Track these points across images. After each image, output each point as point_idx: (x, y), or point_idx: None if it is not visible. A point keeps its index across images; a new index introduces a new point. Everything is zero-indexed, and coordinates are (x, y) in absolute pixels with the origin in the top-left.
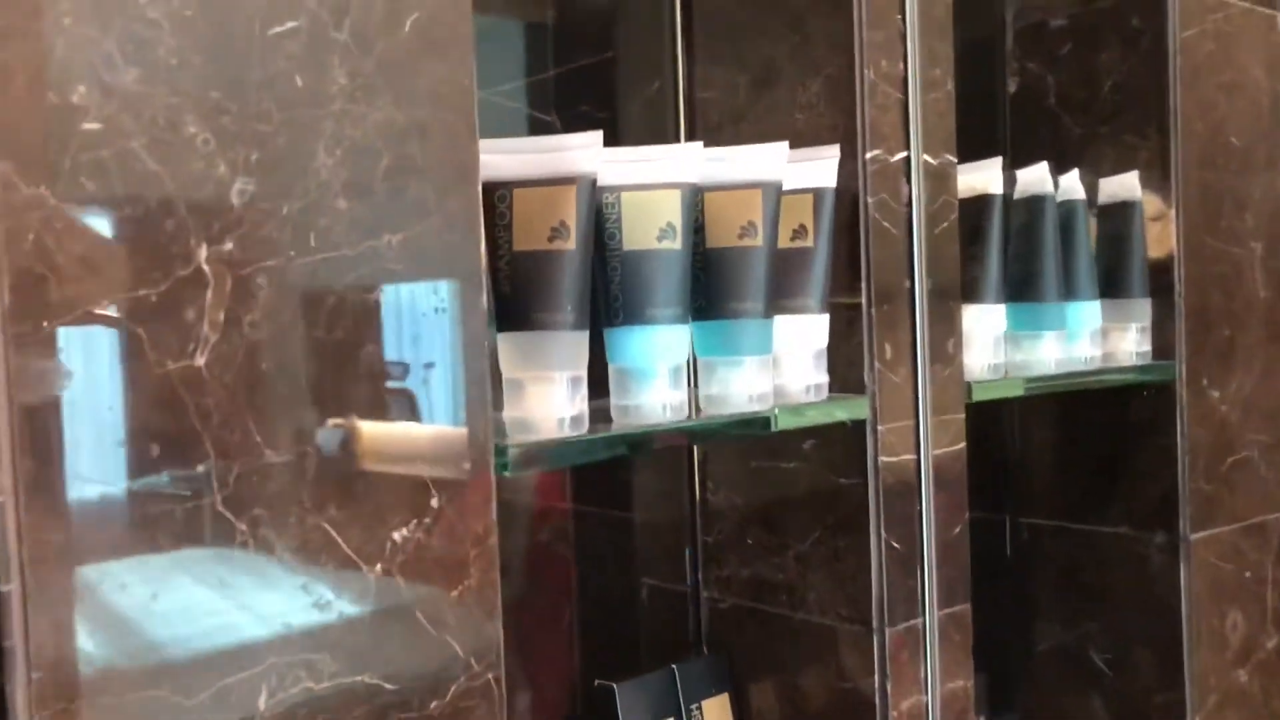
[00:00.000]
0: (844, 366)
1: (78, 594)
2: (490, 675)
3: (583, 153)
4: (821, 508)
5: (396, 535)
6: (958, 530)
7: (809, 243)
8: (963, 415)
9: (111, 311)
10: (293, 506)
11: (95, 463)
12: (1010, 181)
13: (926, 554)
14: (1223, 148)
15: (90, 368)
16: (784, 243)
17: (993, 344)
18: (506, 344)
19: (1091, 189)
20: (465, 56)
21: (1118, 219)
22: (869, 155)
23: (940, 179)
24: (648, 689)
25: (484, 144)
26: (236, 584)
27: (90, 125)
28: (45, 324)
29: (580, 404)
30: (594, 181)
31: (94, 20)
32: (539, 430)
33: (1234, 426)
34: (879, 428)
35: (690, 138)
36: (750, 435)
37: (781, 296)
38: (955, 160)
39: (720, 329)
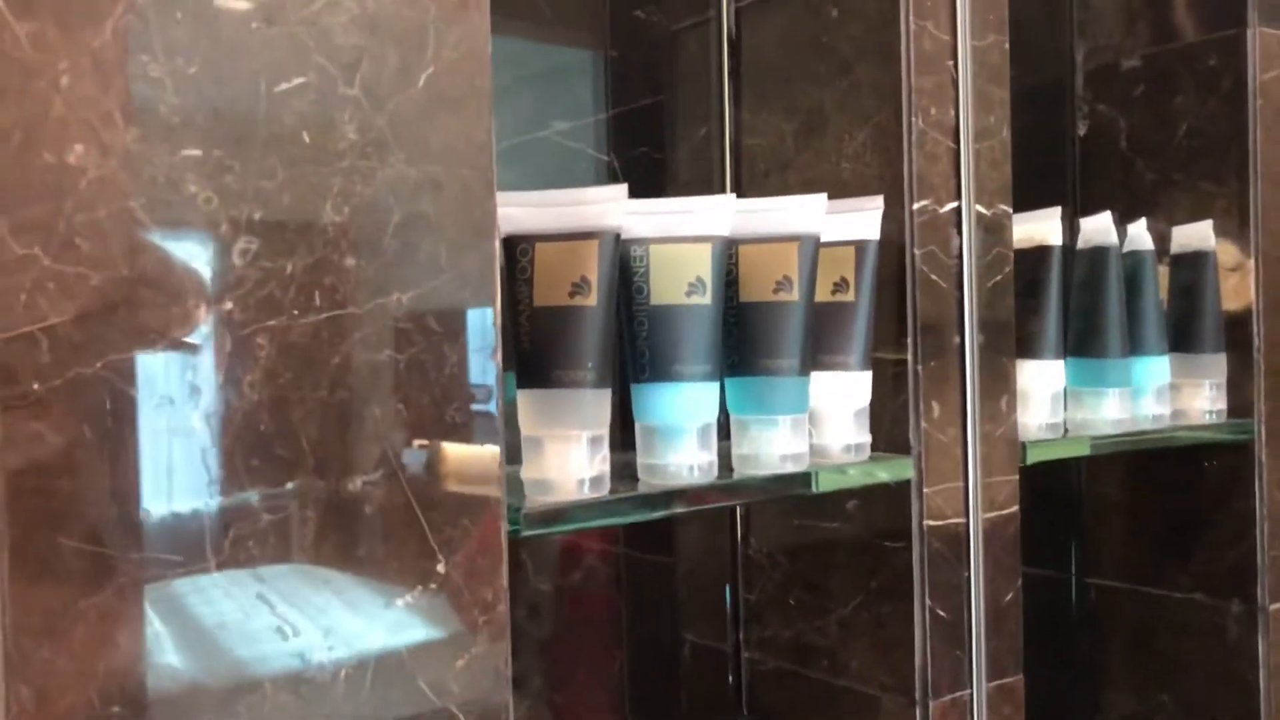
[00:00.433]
0: (889, 425)
1: None
2: None
3: (606, 206)
4: (865, 571)
5: (399, 601)
6: (1009, 598)
7: (850, 297)
8: (1016, 477)
9: (105, 373)
10: (290, 574)
11: (88, 529)
12: (1073, 231)
13: (974, 623)
14: None
15: (83, 429)
16: (824, 296)
17: (1050, 402)
18: (526, 401)
19: (1164, 238)
20: (482, 111)
21: (1191, 270)
22: (916, 206)
23: (994, 230)
24: None
25: (507, 196)
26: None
27: (87, 185)
28: (36, 386)
29: (601, 464)
30: (617, 236)
31: (94, 79)
32: (557, 491)
33: None
34: (924, 489)
35: (736, 184)
36: (789, 496)
37: (821, 352)
38: (1010, 211)
39: (753, 386)
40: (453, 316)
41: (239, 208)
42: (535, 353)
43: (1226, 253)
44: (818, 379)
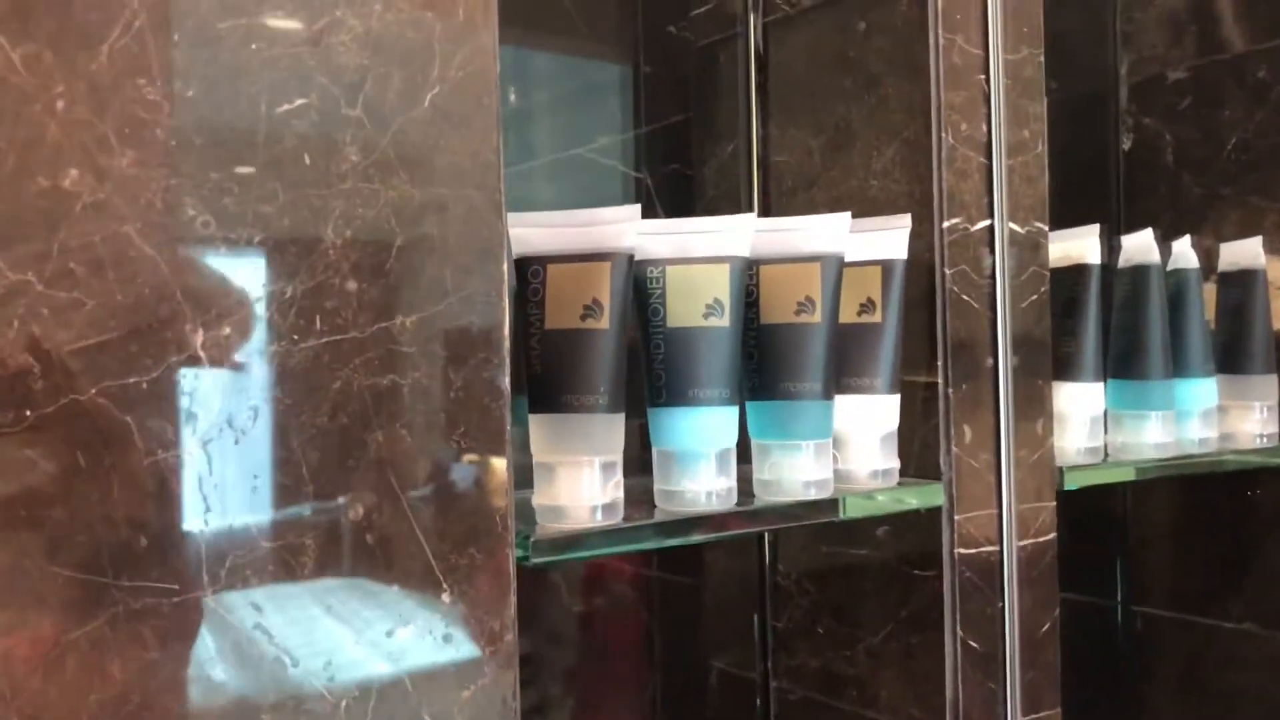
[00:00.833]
0: (919, 450)
1: None
2: None
3: (618, 227)
4: (894, 600)
5: (401, 631)
6: (1046, 629)
7: (876, 318)
8: (1053, 503)
9: (100, 400)
10: (289, 603)
11: (81, 557)
12: (1114, 249)
13: (1009, 655)
14: None
15: (76, 457)
16: (849, 318)
17: (1089, 425)
18: (537, 426)
19: (1211, 255)
20: (489, 131)
21: (1240, 288)
22: (947, 224)
23: (1029, 248)
24: None
25: (518, 217)
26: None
27: (82, 210)
28: (28, 413)
29: (614, 490)
30: (630, 258)
31: (89, 103)
32: (569, 518)
33: None
34: (956, 516)
35: (764, 201)
36: (813, 524)
37: (846, 375)
38: (1046, 228)
39: (775, 410)
40: (459, 340)
41: (238, 231)
42: (546, 377)
43: (1278, 270)
44: (843, 403)
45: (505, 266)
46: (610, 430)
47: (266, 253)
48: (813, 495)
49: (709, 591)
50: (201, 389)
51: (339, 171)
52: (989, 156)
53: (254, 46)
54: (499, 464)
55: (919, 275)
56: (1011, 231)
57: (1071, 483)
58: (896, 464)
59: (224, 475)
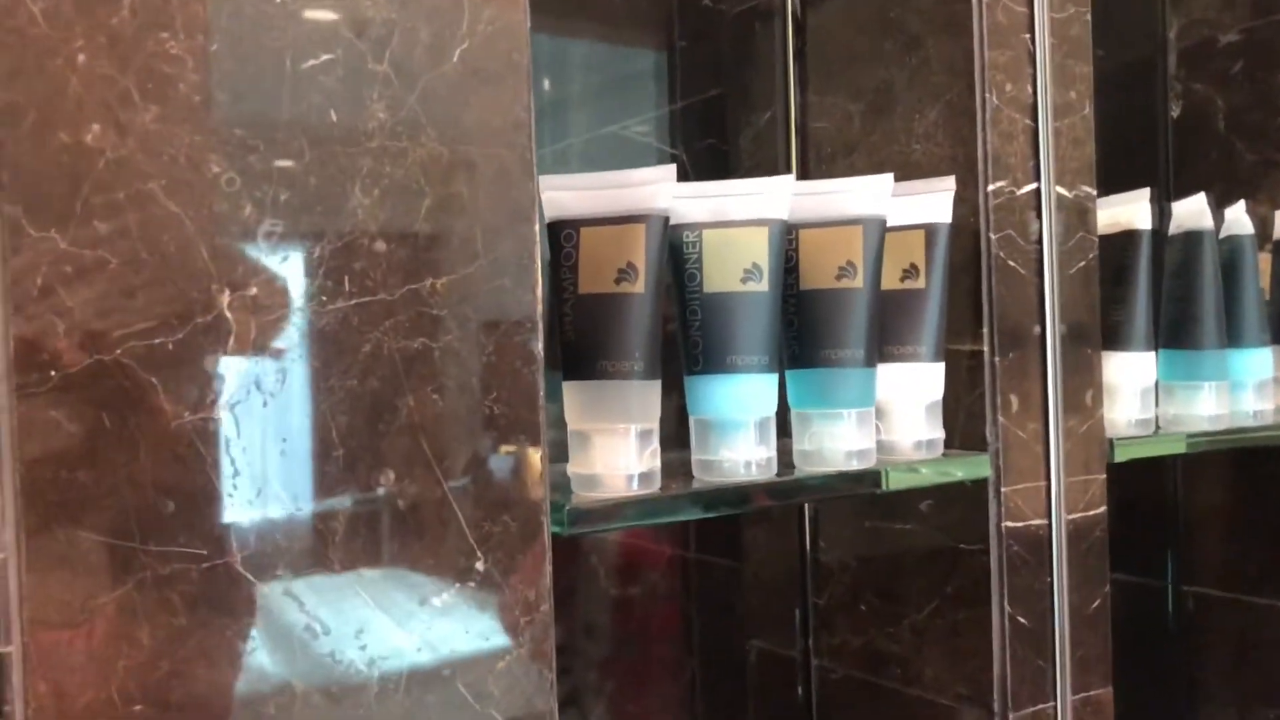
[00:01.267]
0: (964, 421)
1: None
2: None
3: (653, 188)
4: (939, 575)
5: (436, 600)
6: (1096, 604)
7: (920, 284)
8: (1103, 476)
9: (125, 360)
10: (319, 571)
11: (108, 521)
12: (1165, 216)
13: (1059, 631)
14: None
15: (102, 418)
16: (891, 284)
17: (1140, 396)
18: (572, 394)
19: (1266, 224)
20: (520, 88)
21: None
22: (992, 187)
23: (1076, 213)
24: None
25: (550, 179)
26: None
27: (105, 166)
28: (53, 373)
29: (651, 459)
30: (665, 220)
31: (111, 57)
32: (605, 487)
33: None
34: (1003, 488)
35: (801, 170)
36: (859, 496)
37: (889, 343)
38: (1094, 193)
39: (815, 378)
40: (490, 303)
41: (263, 189)
42: (580, 343)
43: None
44: (886, 371)
45: (537, 228)
46: (647, 397)
47: (293, 212)
48: (855, 466)
49: (748, 569)
50: (228, 351)
51: (366, 129)
52: (1035, 118)
53: (278, 1)
54: (533, 430)
55: (963, 241)
56: (1059, 196)
57: (1122, 454)
58: (941, 434)
59: (252, 439)
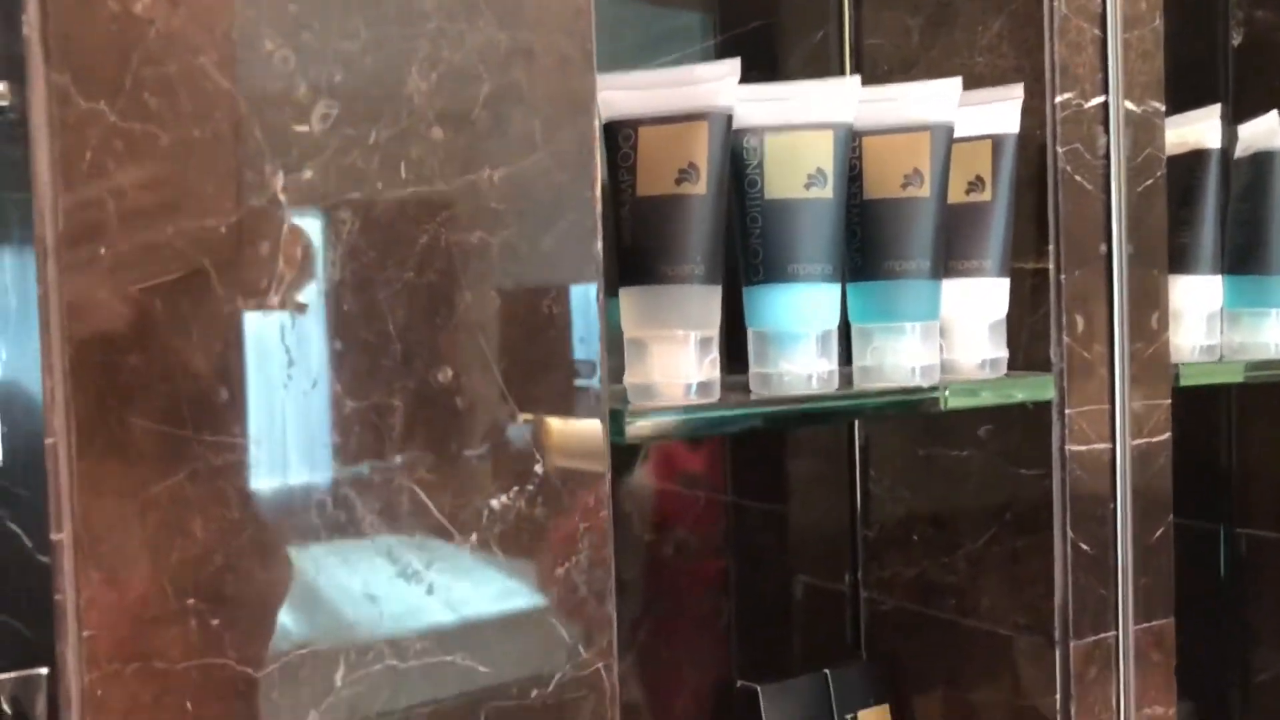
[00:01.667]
0: (1028, 341)
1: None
2: (600, 664)
3: (715, 85)
4: (998, 502)
5: (494, 502)
6: (1160, 533)
7: (986, 196)
8: (1168, 401)
9: (176, 241)
10: (374, 465)
11: (159, 408)
12: (1232, 137)
13: (1122, 559)
14: None
15: (154, 302)
16: (957, 196)
17: (1205, 322)
18: (629, 300)
19: None
20: None
21: None
22: (1059, 99)
23: (1145, 129)
24: (796, 694)
25: (608, 78)
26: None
27: (155, 37)
28: (102, 251)
29: (711, 369)
30: (729, 118)
31: None
32: (662, 396)
33: None
34: (1067, 411)
35: None
36: (913, 415)
37: (953, 257)
38: (1163, 108)
39: (878, 291)
40: (548, 197)
41: (318, 68)
42: (639, 247)
43: None
44: (949, 287)
45: (597, 123)
46: (707, 303)
47: (349, 94)
48: (918, 381)
49: (794, 502)
50: (282, 235)
51: (422, 10)
52: (1103, 29)
53: None
54: (591, 332)
55: (1029, 154)
56: (1127, 110)
57: (1188, 379)
58: (1005, 354)
59: (306, 329)
